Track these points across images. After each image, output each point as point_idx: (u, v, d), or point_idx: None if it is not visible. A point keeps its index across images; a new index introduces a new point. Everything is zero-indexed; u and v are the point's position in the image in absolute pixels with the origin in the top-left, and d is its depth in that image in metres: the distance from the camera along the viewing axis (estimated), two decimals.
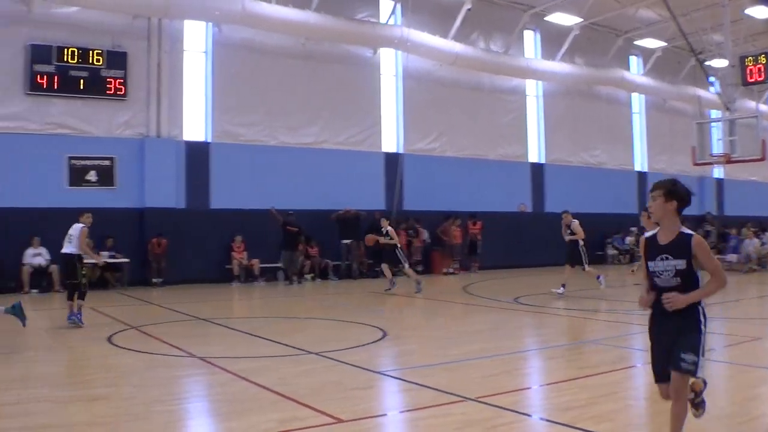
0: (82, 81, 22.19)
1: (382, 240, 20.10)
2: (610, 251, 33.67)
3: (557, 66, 31.81)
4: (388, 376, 9.18)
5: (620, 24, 33.30)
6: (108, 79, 22.50)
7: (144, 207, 22.81)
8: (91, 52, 22.29)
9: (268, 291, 22.14)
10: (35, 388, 8.45)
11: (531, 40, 32.51)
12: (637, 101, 37.42)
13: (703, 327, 5.47)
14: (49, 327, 14.76)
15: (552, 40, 31.98)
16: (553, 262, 30.38)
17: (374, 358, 10.55)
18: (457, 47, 28.11)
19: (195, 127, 24.32)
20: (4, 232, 20.57)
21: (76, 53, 22.12)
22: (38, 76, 21.65)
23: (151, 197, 22.84)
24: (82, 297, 13.68)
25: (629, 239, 33.50)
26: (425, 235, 27.52)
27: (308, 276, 24.75)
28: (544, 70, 31.63)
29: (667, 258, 5.48)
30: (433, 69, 28.59)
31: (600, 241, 32.94)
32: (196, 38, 24.51)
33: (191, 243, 23.09)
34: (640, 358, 10.08)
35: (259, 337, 12.30)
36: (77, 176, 22.19)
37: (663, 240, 5.55)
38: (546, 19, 31.09)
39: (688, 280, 5.45)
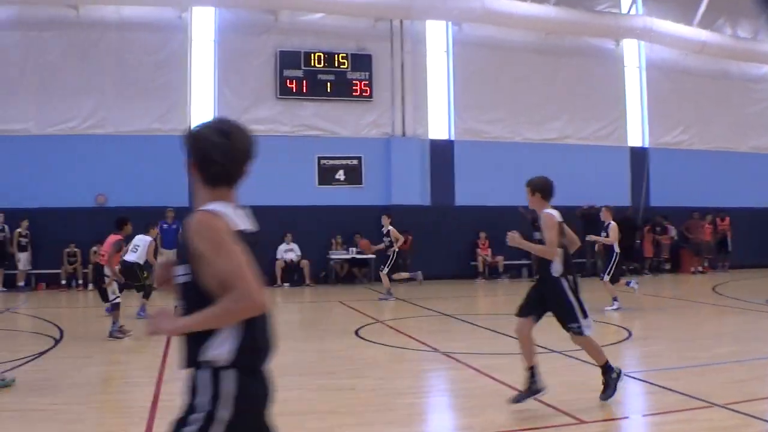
0: (329, 84, 22.32)
1: (375, 248, 18.59)
2: None
3: None
4: (631, 377, 8.33)
5: None
6: (354, 82, 22.46)
7: (390, 204, 22.37)
8: (336, 55, 22.37)
9: (512, 287, 21.02)
10: (287, 377, 8.33)
11: None
12: None
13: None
14: (299, 319, 14.96)
15: None
16: None
17: (618, 359, 9.66)
18: (703, 35, 25.72)
19: (439, 125, 23.65)
20: (260, 230, 20.84)
21: (322, 57, 22.28)
22: (288, 81, 22.10)
23: (397, 195, 22.50)
24: (147, 296, 14.05)
25: None
26: (673, 232, 25.43)
27: None
28: None
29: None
30: (678, 58, 26.21)
31: None
32: (437, 37, 23.83)
33: (436, 239, 22.34)
34: None
35: (503, 333, 11.62)
36: (326, 175, 22.36)
37: None
38: None
39: (194, 305, 2.86)
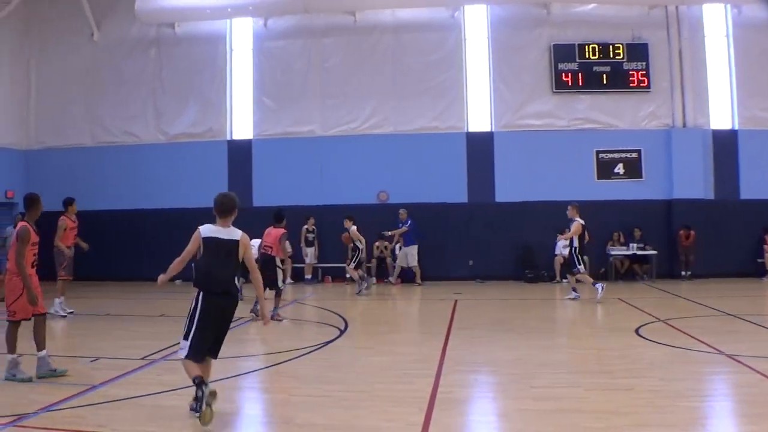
0: (604, 76, 21.19)
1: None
2: None
3: None
4: None
5: None
6: (630, 72, 21.12)
7: (671, 198, 20.90)
8: (611, 46, 21.17)
9: None
10: (562, 374, 8.33)
11: None
12: None
13: None
14: (576, 317, 14.37)
15: None
16: None
17: None
18: None
19: (721, 114, 21.56)
20: (539, 225, 20.33)
21: (596, 49, 21.20)
22: (563, 74, 21.30)
23: (678, 188, 20.87)
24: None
25: None
26: None
27: None
28: None
29: None
30: None
31: None
32: (715, 22, 21.70)
33: (720, 235, 20.49)
34: None
35: None
36: (605, 169, 21.27)
37: None
38: None
39: None
